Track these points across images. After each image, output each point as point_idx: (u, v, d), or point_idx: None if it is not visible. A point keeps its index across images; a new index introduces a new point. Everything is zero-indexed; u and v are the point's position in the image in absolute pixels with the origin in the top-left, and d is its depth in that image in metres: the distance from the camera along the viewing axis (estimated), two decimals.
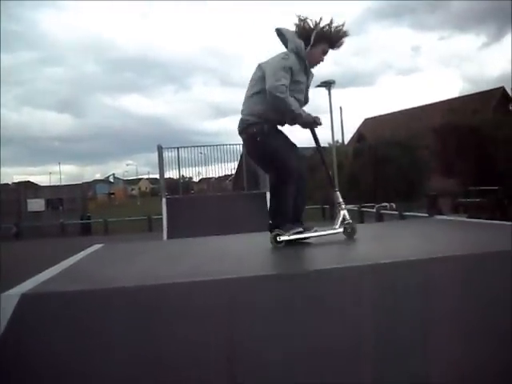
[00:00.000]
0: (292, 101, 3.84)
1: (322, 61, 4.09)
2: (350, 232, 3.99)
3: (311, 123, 4.10)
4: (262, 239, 4.04)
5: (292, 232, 3.88)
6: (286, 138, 4.10)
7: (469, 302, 2.85)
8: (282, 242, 3.85)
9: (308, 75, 4.08)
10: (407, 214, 17.27)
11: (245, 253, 3.93)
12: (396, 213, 16.19)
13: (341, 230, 3.99)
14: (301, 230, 3.95)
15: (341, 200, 4.10)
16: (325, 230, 4.08)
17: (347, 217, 4.01)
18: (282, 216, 3.93)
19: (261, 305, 2.70)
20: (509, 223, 4.36)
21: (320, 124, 4.13)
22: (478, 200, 20.59)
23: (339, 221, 4.01)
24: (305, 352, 2.67)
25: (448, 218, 7.76)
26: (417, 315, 2.80)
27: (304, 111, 4.05)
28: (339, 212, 4.05)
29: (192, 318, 2.62)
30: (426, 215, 14.68)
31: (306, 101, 4.13)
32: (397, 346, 2.74)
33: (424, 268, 2.88)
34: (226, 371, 2.61)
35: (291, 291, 2.73)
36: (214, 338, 2.61)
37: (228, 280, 2.73)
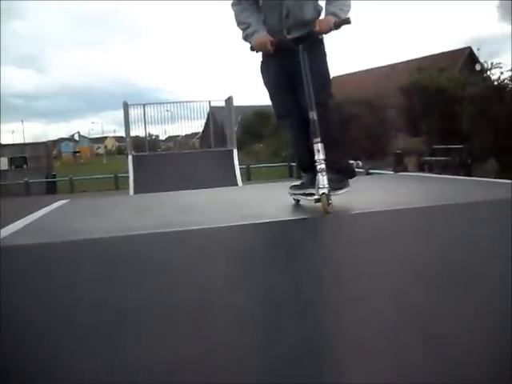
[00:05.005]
0: (241, 16, 3.24)
1: None
2: (326, 204, 2.88)
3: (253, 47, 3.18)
4: (228, 193, 4.08)
5: (293, 192, 3.50)
6: (280, 66, 3.24)
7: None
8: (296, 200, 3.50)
9: None
10: (373, 171, 17.54)
11: (211, 205, 3.97)
12: (362, 170, 16.38)
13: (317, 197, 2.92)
14: (301, 192, 3.33)
15: (321, 156, 2.91)
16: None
17: (323, 183, 2.88)
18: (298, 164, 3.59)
19: (229, 254, 2.75)
20: (468, 178, 4.50)
21: (265, 50, 3.14)
22: (442, 159, 20.99)
23: (317, 187, 2.92)
24: (277, 299, 2.72)
25: (411, 174, 7.97)
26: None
27: (253, 27, 3.17)
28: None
29: (161, 269, 2.63)
30: (392, 173, 14.93)
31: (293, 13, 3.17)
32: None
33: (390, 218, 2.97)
34: (196, 322, 2.65)
35: (259, 240, 2.79)
36: (183, 288, 2.65)
37: (196, 230, 2.76)
